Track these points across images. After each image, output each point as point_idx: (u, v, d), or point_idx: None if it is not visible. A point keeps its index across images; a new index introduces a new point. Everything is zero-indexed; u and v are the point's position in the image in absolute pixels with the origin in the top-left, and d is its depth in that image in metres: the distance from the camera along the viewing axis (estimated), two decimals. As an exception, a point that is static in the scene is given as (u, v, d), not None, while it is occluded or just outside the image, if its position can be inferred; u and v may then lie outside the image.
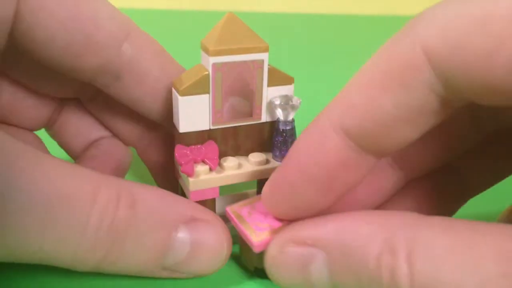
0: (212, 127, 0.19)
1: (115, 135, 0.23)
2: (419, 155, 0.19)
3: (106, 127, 0.23)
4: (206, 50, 0.18)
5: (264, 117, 0.20)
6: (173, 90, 0.19)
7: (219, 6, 0.69)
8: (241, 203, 0.18)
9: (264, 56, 0.19)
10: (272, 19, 0.64)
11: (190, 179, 0.19)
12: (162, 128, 0.23)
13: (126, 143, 0.23)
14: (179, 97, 0.18)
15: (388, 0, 0.72)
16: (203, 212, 0.18)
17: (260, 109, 0.20)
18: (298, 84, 0.38)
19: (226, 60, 0.18)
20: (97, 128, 0.23)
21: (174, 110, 0.19)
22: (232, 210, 0.18)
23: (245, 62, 0.19)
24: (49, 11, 0.18)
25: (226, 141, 0.20)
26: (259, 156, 0.20)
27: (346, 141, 0.15)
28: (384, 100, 0.14)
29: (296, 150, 0.16)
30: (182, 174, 0.19)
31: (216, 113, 0.19)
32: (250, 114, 0.20)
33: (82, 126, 0.23)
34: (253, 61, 0.19)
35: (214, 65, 0.18)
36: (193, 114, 0.19)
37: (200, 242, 0.17)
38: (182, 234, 0.17)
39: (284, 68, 0.20)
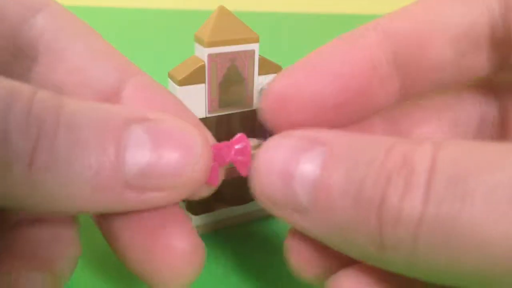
0: (208, 115, 0.20)
1: None
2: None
3: None
4: (201, 42, 0.19)
5: (256, 104, 0.21)
6: (170, 80, 0.20)
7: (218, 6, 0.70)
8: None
9: (255, 46, 0.20)
10: (272, 19, 0.65)
11: (191, 165, 0.20)
12: None
13: None
14: (178, 87, 0.19)
15: (387, 0, 0.72)
16: (161, 113, 0.14)
17: (252, 97, 0.21)
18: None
19: (220, 51, 0.19)
20: None
21: (172, 100, 0.20)
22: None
23: (237, 52, 0.20)
24: None
25: (220, 128, 0.21)
26: (253, 142, 0.21)
27: (382, 43, 0.14)
28: (438, 10, 0.14)
29: (325, 46, 0.14)
30: None
31: (211, 101, 0.20)
32: (243, 102, 0.21)
33: None
34: (245, 51, 0.20)
35: (209, 55, 0.19)
36: (191, 103, 0.20)
37: (162, 136, 0.13)
38: (138, 131, 0.13)
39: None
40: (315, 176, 0.12)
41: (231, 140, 0.15)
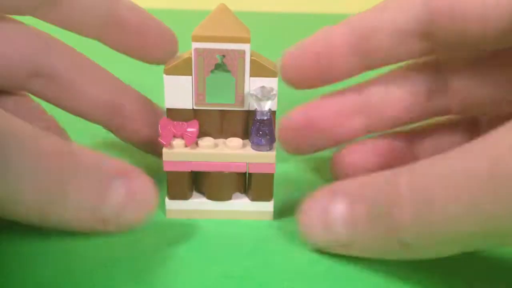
0: (195, 108, 0.21)
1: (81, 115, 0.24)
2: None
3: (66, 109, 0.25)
4: (192, 36, 0.20)
5: (247, 105, 0.21)
6: (165, 69, 0.21)
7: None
8: None
9: (245, 47, 0.20)
10: (273, 19, 0.63)
11: (164, 150, 0.21)
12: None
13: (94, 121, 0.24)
14: (164, 75, 0.20)
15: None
16: (132, 168, 0.19)
17: (242, 97, 0.21)
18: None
19: (207, 47, 0.20)
20: (38, 118, 0.24)
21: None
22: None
23: (226, 50, 0.20)
24: None
25: (211, 123, 0.22)
26: (236, 141, 0.21)
27: (346, 33, 0.22)
28: (383, 13, 0.22)
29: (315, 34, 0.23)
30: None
31: (198, 95, 0.21)
32: (233, 101, 0.21)
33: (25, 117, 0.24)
34: (234, 50, 0.20)
35: (195, 50, 0.20)
36: (177, 92, 0.21)
37: (133, 192, 0.19)
38: (118, 184, 0.18)
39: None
40: (345, 216, 0.19)
41: (186, 122, 0.21)
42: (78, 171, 0.18)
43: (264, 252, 0.20)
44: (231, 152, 0.21)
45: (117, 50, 0.24)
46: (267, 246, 0.21)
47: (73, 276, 0.19)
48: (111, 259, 0.20)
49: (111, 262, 0.19)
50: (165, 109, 0.21)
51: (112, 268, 0.19)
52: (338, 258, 0.20)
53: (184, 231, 0.22)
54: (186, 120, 0.21)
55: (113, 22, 0.23)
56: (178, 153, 0.21)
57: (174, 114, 0.21)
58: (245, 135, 0.22)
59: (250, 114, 0.21)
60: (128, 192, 0.19)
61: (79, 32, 0.23)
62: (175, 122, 0.21)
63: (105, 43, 0.24)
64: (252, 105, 0.21)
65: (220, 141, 0.22)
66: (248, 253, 0.20)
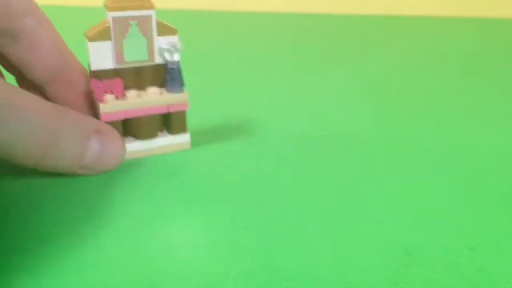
0: (116, 67, 0.26)
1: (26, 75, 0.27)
2: None
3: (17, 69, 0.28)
4: (107, 8, 0.25)
5: (157, 60, 0.27)
6: (85, 38, 0.25)
7: (219, 6, 0.70)
8: None
9: (151, 12, 0.26)
10: (272, 19, 0.65)
11: (101, 104, 0.25)
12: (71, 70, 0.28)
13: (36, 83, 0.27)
14: (89, 43, 0.25)
15: (388, 0, 0.74)
16: (105, 126, 0.25)
17: (153, 53, 0.27)
18: (297, 83, 0.41)
19: (121, 15, 0.25)
20: None
21: (88, 53, 0.25)
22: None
23: (137, 16, 0.25)
24: None
25: (130, 78, 0.27)
26: (154, 89, 0.27)
27: None
28: None
29: None
30: (96, 100, 0.26)
31: (118, 55, 0.26)
32: (146, 57, 0.26)
33: None
34: (143, 16, 0.25)
35: (113, 18, 0.25)
36: (100, 56, 0.25)
37: (106, 147, 0.25)
38: (94, 140, 0.24)
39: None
40: None
41: (111, 80, 0.26)
42: (67, 128, 0.23)
43: (264, 251, 0.20)
44: (155, 97, 0.26)
45: (58, 102, 0.27)
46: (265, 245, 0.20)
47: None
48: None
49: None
50: (90, 71, 0.26)
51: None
52: (338, 258, 0.19)
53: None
54: (110, 78, 0.26)
55: (62, 80, 0.27)
56: (113, 105, 0.25)
57: (99, 74, 0.26)
58: (158, 84, 0.27)
59: (159, 68, 0.27)
60: (102, 145, 0.24)
61: (30, 74, 0.27)
62: (103, 81, 0.25)
63: (49, 93, 0.27)
64: (161, 59, 0.27)
65: (141, 91, 0.27)
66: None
